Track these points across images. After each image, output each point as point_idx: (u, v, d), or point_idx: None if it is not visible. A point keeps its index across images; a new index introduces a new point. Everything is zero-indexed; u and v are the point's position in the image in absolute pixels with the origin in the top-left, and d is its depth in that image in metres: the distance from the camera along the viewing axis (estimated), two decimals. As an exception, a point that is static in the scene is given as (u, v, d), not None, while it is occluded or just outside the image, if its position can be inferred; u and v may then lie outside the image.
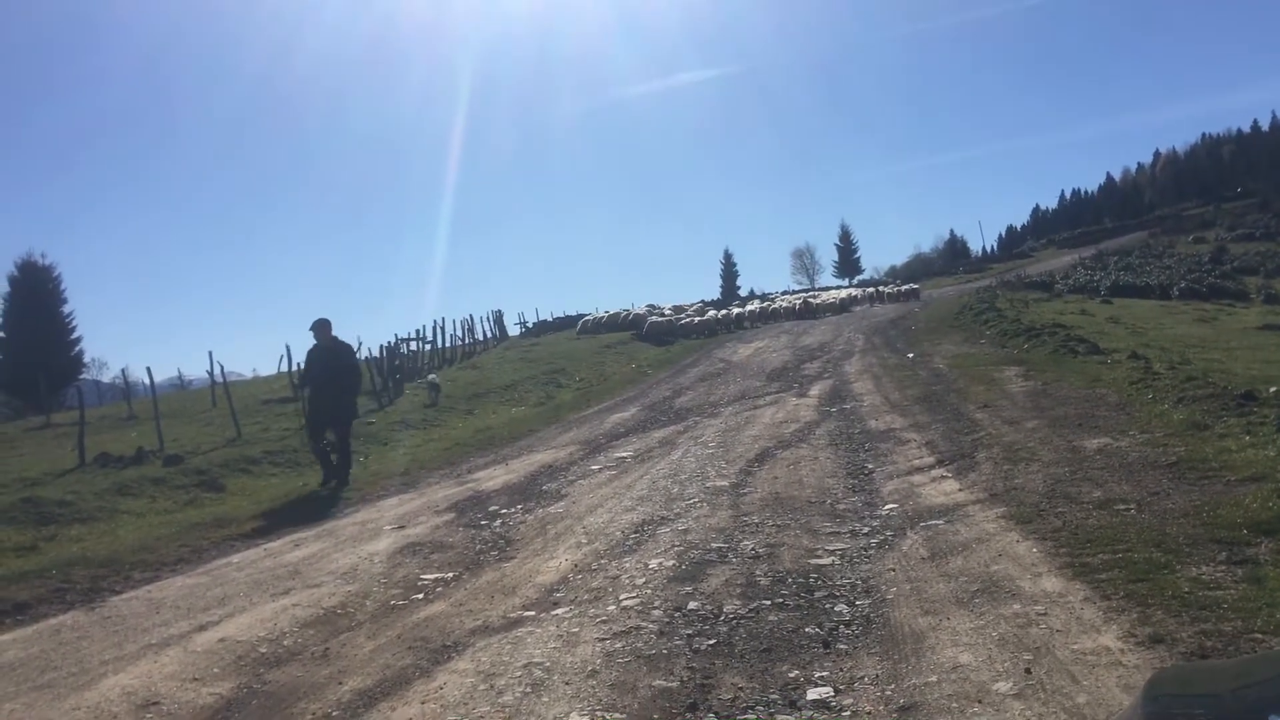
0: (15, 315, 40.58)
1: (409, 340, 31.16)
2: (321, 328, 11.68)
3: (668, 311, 44.18)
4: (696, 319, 39.27)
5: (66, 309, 43.02)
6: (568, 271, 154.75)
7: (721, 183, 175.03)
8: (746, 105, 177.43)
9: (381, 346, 26.62)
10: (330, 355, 11.56)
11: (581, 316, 46.14)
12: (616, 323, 41.62)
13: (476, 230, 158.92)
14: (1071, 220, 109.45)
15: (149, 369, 19.80)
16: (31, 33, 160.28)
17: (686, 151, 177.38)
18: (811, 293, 58.17)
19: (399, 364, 26.05)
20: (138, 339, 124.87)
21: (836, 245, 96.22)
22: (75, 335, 43.30)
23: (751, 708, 3.78)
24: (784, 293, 62.99)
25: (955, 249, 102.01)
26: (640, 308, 47.20)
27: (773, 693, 3.89)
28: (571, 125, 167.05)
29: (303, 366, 12.47)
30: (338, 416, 11.58)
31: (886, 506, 7.01)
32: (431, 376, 23.03)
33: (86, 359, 46.32)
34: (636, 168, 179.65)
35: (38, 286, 41.51)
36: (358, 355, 12.70)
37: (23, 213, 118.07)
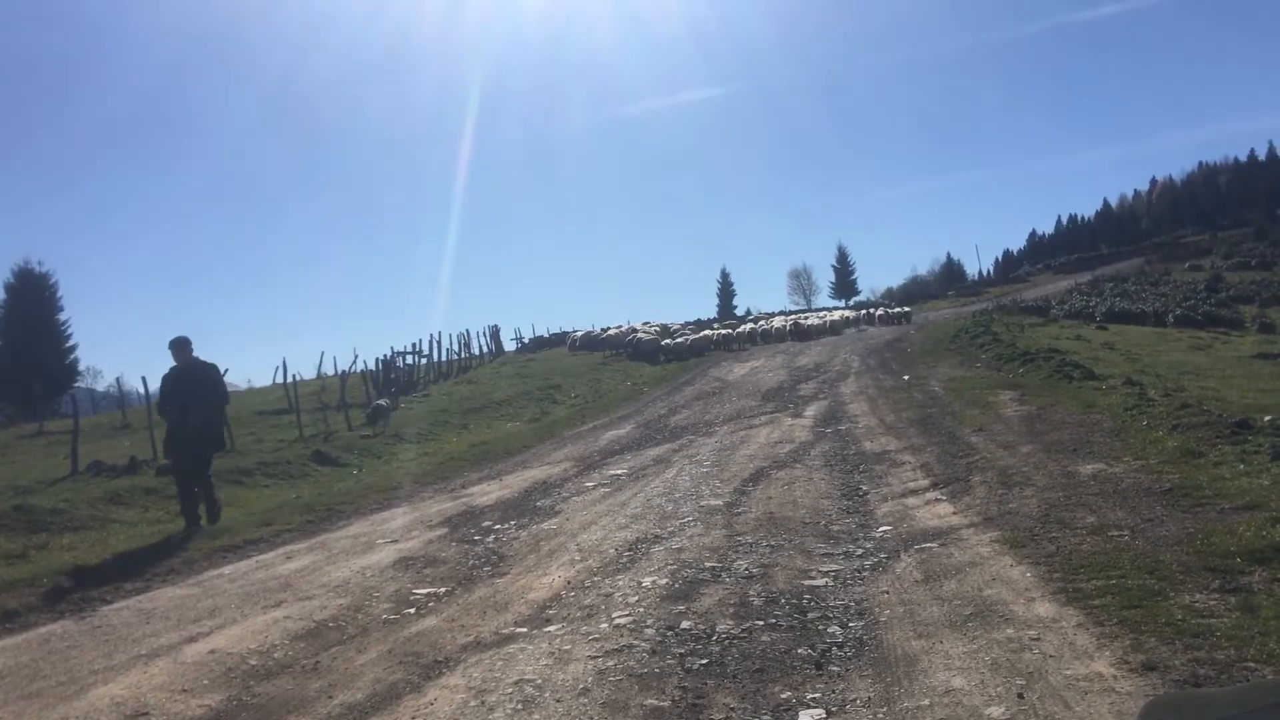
0: (11, 322, 40.57)
1: (405, 354, 31.24)
2: (180, 347, 10.12)
3: (653, 330, 43.77)
4: (682, 339, 38.14)
5: (62, 316, 43.07)
6: (566, 287, 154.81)
7: (721, 201, 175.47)
8: (748, 125, 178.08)
9: (377, 360, 26.70)
10: (192, 378, 10.09)
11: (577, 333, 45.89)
12: (601, 341, 40.72)
13: (475, 245, 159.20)
14: (1068, 246, 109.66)
15: (144, 378, 19.82)
16: (33, 41, 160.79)
17: (688, 169, 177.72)
18: (803, 314, 57.33)
19: (394, 377, 26.07)
20: (133, 348, 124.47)
21: (833, 266, 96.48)
22: (71, 343, 43.33)
23: (743, 728, 3.77)
24: (778, 313, 62.80)
25: (952, 272, 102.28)
26: (631, 325, 47.19)
27: (764, 713, 3.88)
28: (576, 141, 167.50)
29: (159, 392, 10.70)
30: (200, 449, 10.00)
31: (881, 529, 7.01)
32: (381, 401, 20.51)
33: (81, 367, 46.31)
34: (638, 184, 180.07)
35: (34, 294, 41.53)
36: (223, 376, 11.10)
37: (20, 220, 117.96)
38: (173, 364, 10.16)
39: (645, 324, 48.99)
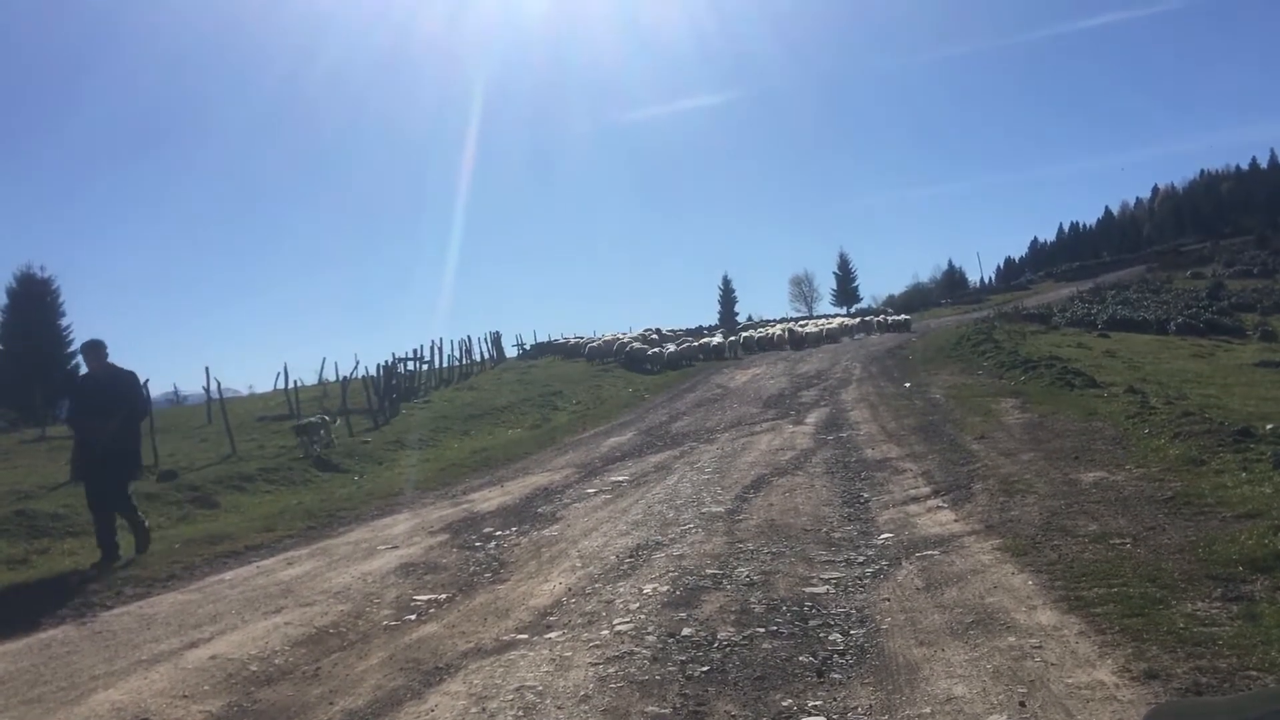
0: (13, 327, 40.61)
1: (406, 360, 31.23)
2: (93, 352, 9.01)
3: (652, 337, 43.37)
4: (672, 347, 37.03)
5: (64, 322, 43.12)
6: (570, 293, 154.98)
7: (724, 207, 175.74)
8: (750, 131, 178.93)
9: (378, 366, 26.70)
10: (105, 387, 8.87)
11: (577, 341, 45.69)
12: (591, 349, 39.94)
13: (478, 251, 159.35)
14: (1070, 253, 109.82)
15: (145, 383, 19.73)
16: (36, 47, 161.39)
17: (690, 175, 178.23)
18: (799, 321, 56.55)
19: (396, 384, 26.09)
20: (135, 353, 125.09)
21: (835, 273, 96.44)
22: (72, 349, 43.31)
23: (744, 736, 3.76)
24: (778, 320, 62.58)
25: (953, 279, 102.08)
26: (632, 331, 47.13)
27: (766, 721, 3.88)
28: (578, 147, 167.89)
29: (68, 401, 9.35)
30: (113, 469, 8.70)
31: (882, 536, 7.01)
32: (313, 417, 17.84)
33: (83, 372, 46.29)
34: (641, 190, 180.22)
35: (36, 299, 41.58)
36: (142, 386, 9.69)
37: (22, 225, 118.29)
38: (85, 371, 9.09)
39: (647, 330, 48.94)
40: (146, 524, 8.86)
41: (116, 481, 8.68)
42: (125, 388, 9.00)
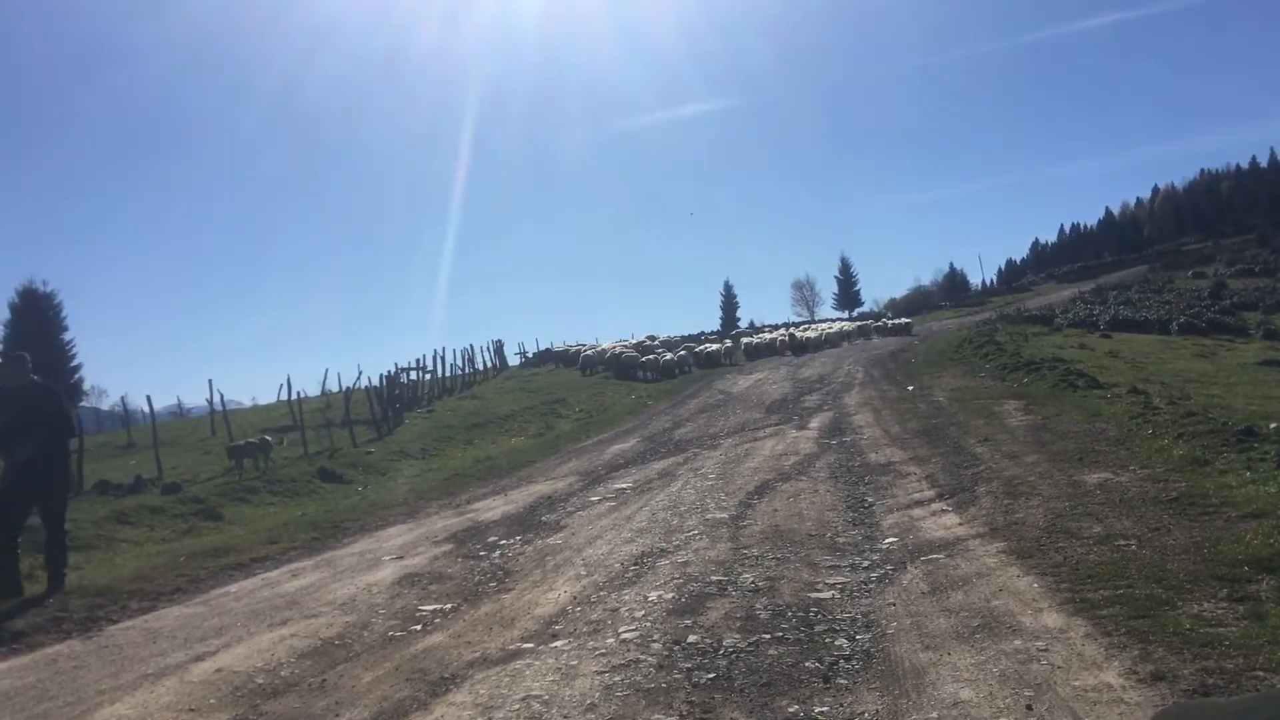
0: (16, 341, 40.69)
1: (409, 370, 31.27)
2: (12, 365, 8.32)
3: (656, 344, 43.30)
4: (670, 355, 36.33)
5: (67, 336, 43.26)
6: (573, 300, 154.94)
7: (725, 212, 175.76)
8: (750, 137, 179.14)
9: (381, 376, 26.73)
10: (26, 404, 8.01)
11: (577, 348, 45.60)
12: (581, 359, 39.58)
13: (480, 259, 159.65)
14: (1071, 254, 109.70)
15: (149, 397, 19.84)
16: (37, 61, 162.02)
17: (690, 181, 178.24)
18: (801, 326, 56.41)
19: (399, 393, 26.11)
20: (137, 366, 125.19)
21: (836, 278, 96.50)
22: (75, 362, 43.49)
23: (751, 743, 3.75)
24: (782, 325, 62.47)
25: (955, 282, 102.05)
26: (632, 339, 47.11)
27: (773, 728, 3.87)
28: (577, 156, 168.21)
29: None
30: (43, 490, 7.99)
31: (886, 540, 7.00)
32: (253, 438, 17.29)
33: (86, 386, 46.48)
34: (642, 197, 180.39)
35: (39, 313, 41.71)
36: (67, 402, 9.00)
37: (24, 239, 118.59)
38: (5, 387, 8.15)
39: (650, 337, 48.95)
40: (68, 562, 8.14)
41: (50, 502, 8.04)
42: (49, 406, 8.21)
